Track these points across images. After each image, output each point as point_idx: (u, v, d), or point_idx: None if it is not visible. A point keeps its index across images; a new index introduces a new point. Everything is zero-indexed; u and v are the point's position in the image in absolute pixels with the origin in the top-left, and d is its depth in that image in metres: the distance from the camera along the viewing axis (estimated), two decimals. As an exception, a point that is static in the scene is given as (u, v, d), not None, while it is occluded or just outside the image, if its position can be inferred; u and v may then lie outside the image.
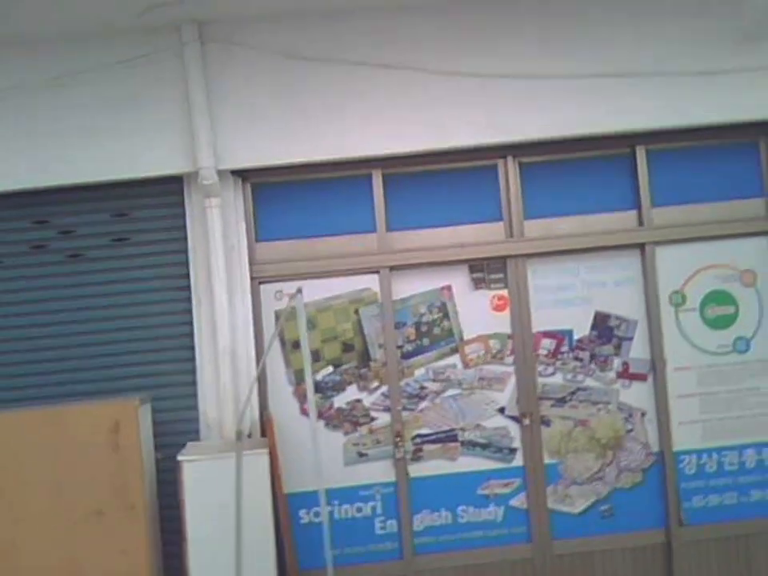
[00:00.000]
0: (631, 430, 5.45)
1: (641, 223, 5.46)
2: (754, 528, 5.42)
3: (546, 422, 5.41)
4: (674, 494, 5.39)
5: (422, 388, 5.37)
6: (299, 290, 4.73)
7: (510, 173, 5.41)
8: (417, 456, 5.34)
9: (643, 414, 5.45)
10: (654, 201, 5.48)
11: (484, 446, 5.37)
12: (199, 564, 4.41)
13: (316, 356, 5.30)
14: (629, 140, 5.42)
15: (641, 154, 5.46)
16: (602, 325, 5.47)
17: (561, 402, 5.43)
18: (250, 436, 5.00)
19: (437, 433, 5.37)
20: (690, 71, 5.23)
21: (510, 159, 5.40)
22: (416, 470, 5.33)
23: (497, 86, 5.15)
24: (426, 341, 5.40)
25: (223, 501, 4.26)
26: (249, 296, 5.17)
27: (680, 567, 5.35)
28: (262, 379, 5.17)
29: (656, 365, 5.43)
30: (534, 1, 5.20)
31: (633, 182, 5.48)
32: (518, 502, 5.37)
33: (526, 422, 5.36)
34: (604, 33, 5.25)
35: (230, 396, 4.97)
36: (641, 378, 5.46)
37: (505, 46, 5.20)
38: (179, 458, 4.50)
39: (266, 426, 4.88)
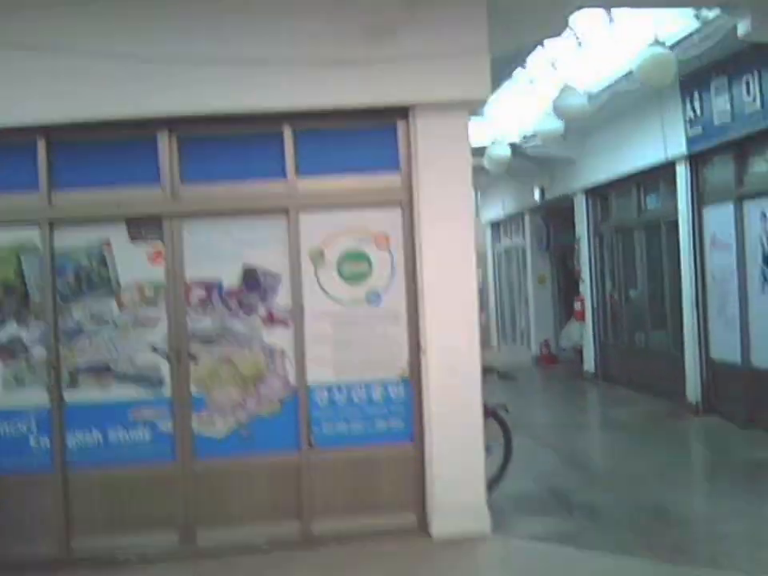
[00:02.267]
0: (272, 367, 6.35)
1: (287, 191, 6.26)
2: (376, 452, 6.39)
3: (194, 359, 6.27)
4: (306, 422, 6.34)
5: (80, 327, 6.16)
6: None
7: (168, 144, 6.13)
8: (73, 385, 6.16)
9: (283, 353, 6.34)
10: (300, 172, 6.29)
11: (136, 378, 6.21)
12: None
13: (-20, 297, 6.05)
14: (277, 118, 6.18)
15: (288, 131, 6.25)
16: (251, 277, 6.32)
17: (209, 342, 6.29)
18: None
19: (92, 365, 6.18)
20: (331, 60, 5.99)
21: (166, 132, 6.12)
22: (72, 396, 6.16)
23: (136, 65, 5.81)
24: (85, 286, 6.17)
25: None
26: None
27: (308, 483, 6.30)
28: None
29: (296, 312, 6.31)
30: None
31: (282, 155, 6.25)
32: (165, 426, 6.25)
33: (175, 358, 6.21)
34: (258, 23, 5.95)
35: None
36: (283, 323, 6.35)
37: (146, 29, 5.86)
38: None
39: None
